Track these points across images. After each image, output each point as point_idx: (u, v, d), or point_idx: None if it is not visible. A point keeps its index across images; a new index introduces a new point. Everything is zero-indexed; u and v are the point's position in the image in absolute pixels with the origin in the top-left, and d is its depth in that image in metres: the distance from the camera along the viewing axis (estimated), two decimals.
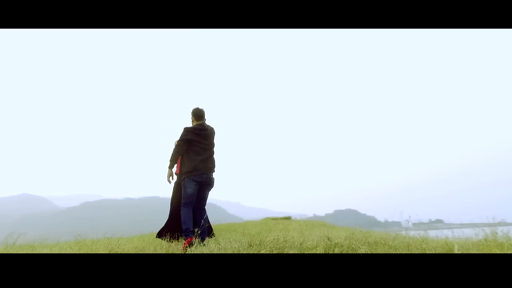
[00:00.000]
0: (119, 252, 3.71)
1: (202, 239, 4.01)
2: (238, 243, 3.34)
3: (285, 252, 2.90)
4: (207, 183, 4.35)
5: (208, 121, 4.58)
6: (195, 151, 4.33)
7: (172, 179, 4.43)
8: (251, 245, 3.31)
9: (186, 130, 4.36)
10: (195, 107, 4.59)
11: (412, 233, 3.83)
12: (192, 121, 4.59)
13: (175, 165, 4.65)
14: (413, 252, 2.67)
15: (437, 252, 2.51)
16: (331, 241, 3.18)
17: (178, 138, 4.37)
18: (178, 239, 4.53)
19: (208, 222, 4.71)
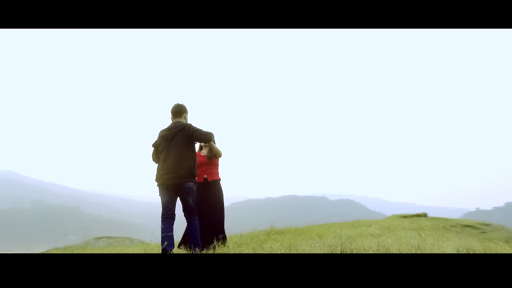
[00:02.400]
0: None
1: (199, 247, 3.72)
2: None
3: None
4: (179, 189, 3.76)
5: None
6: (160, 156, 3.90)
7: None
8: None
9: (160, 130, 4.01)
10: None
11: None
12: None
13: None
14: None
15: None
16: None
17: None
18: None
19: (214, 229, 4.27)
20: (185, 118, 4.07)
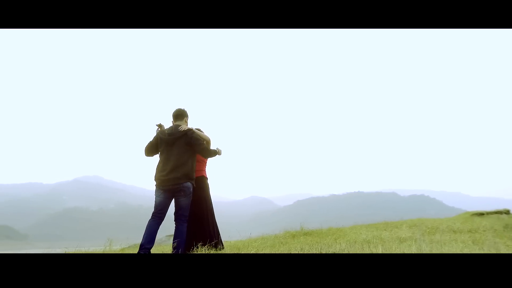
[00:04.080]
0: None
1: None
2: None
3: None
4: (176, 191, 3.84)
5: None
6: (159, 158, 4.04)
7: None
8: None
9: (160, 131, 4.10)
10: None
11: None
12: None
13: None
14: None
15: None
16: None
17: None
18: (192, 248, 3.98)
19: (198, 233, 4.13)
20: (186, 122, 4.21)
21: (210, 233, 4.20)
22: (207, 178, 4.51)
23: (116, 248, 6.59)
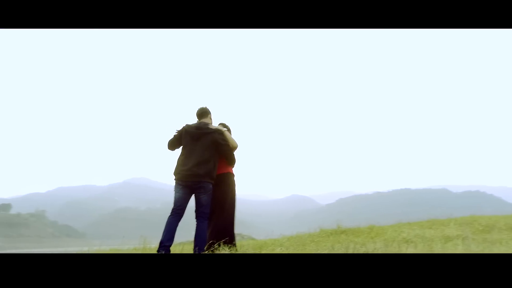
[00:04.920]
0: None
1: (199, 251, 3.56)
2: None
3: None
4: (195, 187, 3.79)
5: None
6: (182, 151, 4.00)
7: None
8: None
9: (187, 125, 4.07)
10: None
11: None
12: None
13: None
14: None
15: None
16: None
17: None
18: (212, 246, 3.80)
19: (218, 232, 3.98)
20: (211, 119, 4.27)
21: (227, 229, 4.06)
22: (234, 175, 4.38)
23: (152, 246, 6.73)
